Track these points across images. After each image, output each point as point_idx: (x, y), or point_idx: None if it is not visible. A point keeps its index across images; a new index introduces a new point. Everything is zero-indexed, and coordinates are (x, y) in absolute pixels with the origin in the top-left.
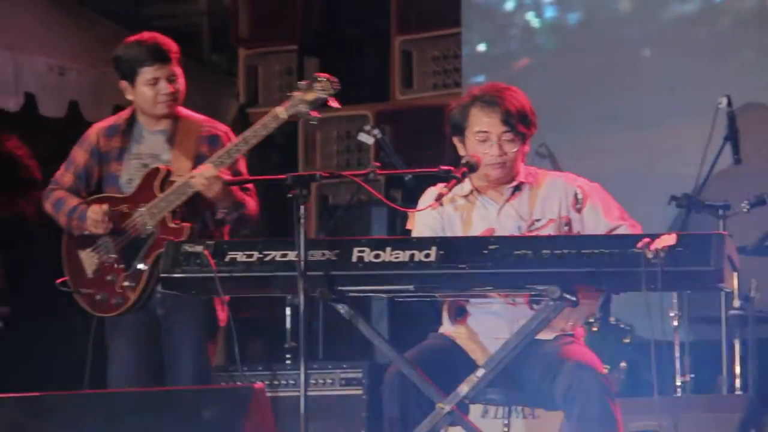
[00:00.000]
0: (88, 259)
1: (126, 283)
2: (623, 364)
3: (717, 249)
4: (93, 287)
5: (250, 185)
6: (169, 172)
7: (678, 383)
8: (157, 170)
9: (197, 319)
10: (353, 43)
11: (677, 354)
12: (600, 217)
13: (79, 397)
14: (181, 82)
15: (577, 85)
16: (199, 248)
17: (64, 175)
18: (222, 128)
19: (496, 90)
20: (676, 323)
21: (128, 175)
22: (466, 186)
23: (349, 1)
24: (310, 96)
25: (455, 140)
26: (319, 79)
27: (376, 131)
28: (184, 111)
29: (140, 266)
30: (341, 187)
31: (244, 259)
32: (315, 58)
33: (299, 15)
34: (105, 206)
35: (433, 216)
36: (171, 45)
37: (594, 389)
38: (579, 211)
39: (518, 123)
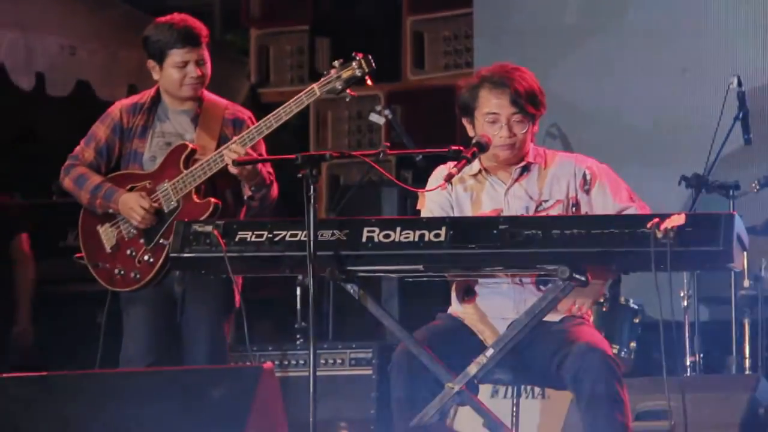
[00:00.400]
0: (107, 234)
1: (146, 258)
2: (633, 344)
3: (726, 229)
4: (111, 262)
5: (272, 169)
6: (194, 150)
7: (688, 363)
8: (183, 146)
9: (215, 298)
10: (365, 23)
11: (687, 334)
12: (608, 198)
13: (88, 376)
14: (208, 67)
15: (588, 65)
16: (209, 228)
17: (85, 151)
18: (246, 113)
19: (504, 71)
20: (685, 303)
21: (151, 153)
22: (475, 166)
23: None
24: (346, 74)
25: (464, 121)
26: (355, 57)
27: (386, 111)
28: (208, 94)
29: (162, 241)
30: (352, 168)
31: (253, 239)
32: (326, 38)
33: None
34: (147, 201)
35: (443, 195)
36: (201, 29)
37: (602, 372)
38: (587, 192)
39: (527, 104)
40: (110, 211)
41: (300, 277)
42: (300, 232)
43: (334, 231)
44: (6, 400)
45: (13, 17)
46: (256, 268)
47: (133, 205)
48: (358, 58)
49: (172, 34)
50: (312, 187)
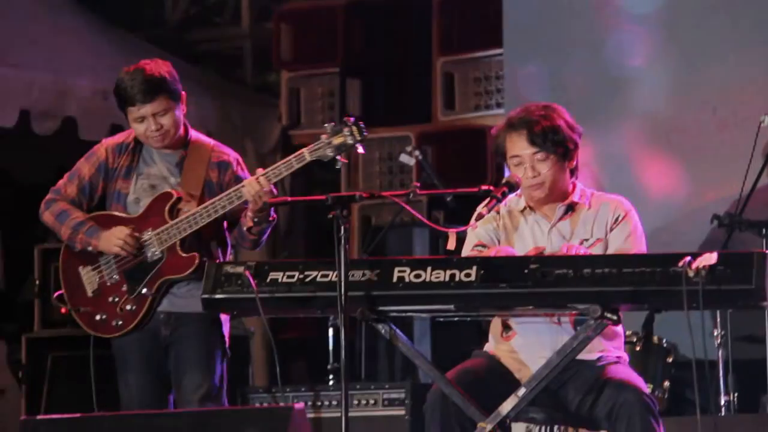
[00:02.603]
0: (89, 278)
1: (128, 307)
2: (666, 384)
3: (759, 267)
4: (92, 306)
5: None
6: (179, 199)
7: (722, 402)
8: (168, 195)
9: (203, 336)
10: (395, 64)
11: (721, 373)
12: (621, 240)
13: (118, 418)
14: (168, 116)
15: (619, 101)
16: (240, 269)
17: (68, 186)
18: (233, 155)
19: (526, 112)
20: (718, 342)
21: (135, 195)
22: (521, 202)
23: (390, 23)
24: (337, 140)
25: (505, 165)
26: (347, 123)
27: (417, 152)
28: (195, 135)
29: (144, 291)
30: (384, 208)
31: (285, 279)
32: (356, 80)
33: (341, 37)
34: (128, 228)
35: (490, 227)
36: (156, 80)
37: (638, 409)
38: (611, 230)
39: (546, 141)
40: (90, 248)
41: (332, 317)
42: (331, 273)
43: (366, 271)
44: None
45: (45, 61)
46: (288, 308)
47: (116, 233)
48: (349, 123)
49: (126, 91)
50: (342, 227)
